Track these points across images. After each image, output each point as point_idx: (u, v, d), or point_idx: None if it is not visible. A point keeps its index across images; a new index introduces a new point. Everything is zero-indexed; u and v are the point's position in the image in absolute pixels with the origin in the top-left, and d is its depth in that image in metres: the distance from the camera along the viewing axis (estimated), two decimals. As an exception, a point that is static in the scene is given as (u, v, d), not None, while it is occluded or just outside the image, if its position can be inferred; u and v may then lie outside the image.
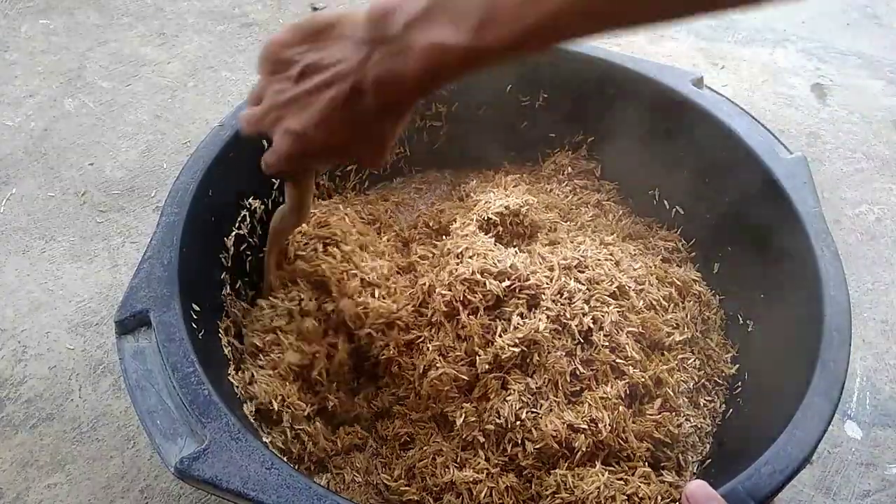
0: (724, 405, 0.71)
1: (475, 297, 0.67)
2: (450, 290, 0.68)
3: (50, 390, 0.80)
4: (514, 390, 0.63)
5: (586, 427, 0.61)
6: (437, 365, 0.66)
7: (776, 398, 0.61)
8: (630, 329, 0.67)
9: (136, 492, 0.72)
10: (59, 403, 0.79)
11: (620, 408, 0.63)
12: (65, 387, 0.80)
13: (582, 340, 0.65)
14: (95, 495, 0.72)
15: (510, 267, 0.67)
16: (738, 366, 0.72)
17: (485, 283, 0.67)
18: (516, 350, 0.64)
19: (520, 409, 0.62)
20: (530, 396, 0.63)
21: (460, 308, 0.67)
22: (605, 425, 0.61)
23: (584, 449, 0.60)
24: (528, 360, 0.64)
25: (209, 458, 0.49)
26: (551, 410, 0.62)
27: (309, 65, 0.45)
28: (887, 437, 0.80)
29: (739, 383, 0.71)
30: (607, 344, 0.65)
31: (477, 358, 0.65)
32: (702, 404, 0.70)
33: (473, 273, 0.67)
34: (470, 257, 0.70)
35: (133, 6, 1.36)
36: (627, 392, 0.64)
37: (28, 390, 0.80)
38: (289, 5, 1.39)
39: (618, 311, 0.67)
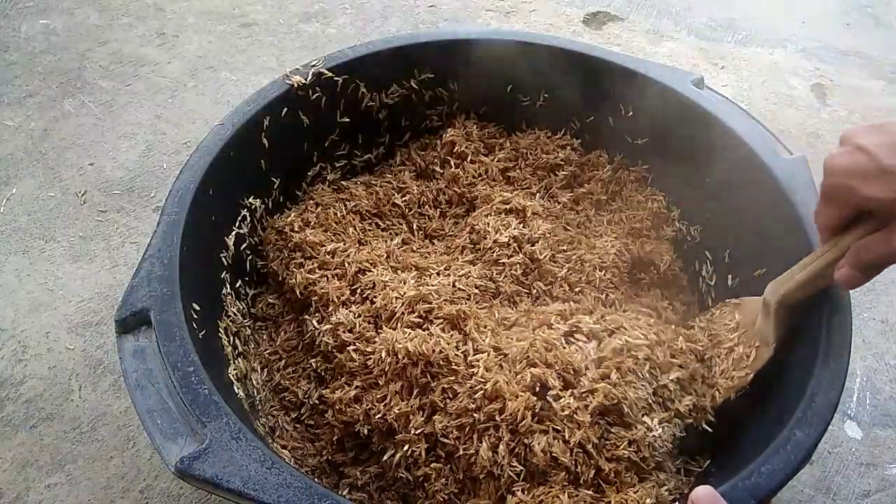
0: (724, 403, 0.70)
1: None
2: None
3: (50, 390, 0.80)
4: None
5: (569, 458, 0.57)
6: None
7: (776, 398, 0.61)
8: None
9: (136, 492, 0.72)
10: (59, 403, 0.79)
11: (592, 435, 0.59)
12: (65, 387, 0.80)
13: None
14: (95, 495, 0.72)
15: None
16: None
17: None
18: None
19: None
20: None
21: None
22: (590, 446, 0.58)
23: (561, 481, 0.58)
24: None
25: (209, 458, 0.49)
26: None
27: None
28: (887, 437, 0.80)
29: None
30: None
31: None
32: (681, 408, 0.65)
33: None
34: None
35: (133, 6, 1.36)
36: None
37: (28, 390, 0.80)
38: (289, 5, 1.39)
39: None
